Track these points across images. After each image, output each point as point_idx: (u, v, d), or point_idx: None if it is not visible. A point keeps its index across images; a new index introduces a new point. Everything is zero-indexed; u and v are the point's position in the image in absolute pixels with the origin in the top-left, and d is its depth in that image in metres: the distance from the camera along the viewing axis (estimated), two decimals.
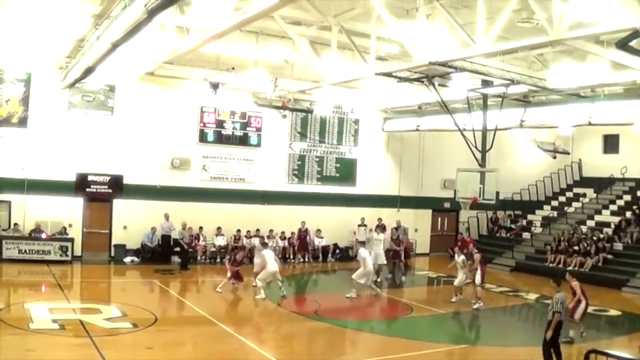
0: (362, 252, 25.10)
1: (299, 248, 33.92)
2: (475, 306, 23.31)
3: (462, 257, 24.78)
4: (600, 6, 14.93)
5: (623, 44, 14.31)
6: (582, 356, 11.73)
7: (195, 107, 32.76)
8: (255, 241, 32.06)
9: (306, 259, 34.34)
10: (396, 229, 33.13)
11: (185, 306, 23.17)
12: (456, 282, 24.80)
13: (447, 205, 38.93)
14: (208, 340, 18.04)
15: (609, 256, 31.04)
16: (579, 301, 18.56)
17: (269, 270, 23.30)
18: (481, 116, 26.23)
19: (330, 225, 35.03)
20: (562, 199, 40.58)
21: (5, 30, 24.25)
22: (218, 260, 32.31)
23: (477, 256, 24.33)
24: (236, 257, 25.62)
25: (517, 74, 23.99)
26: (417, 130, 35.84)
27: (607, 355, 11.21)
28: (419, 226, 37.30)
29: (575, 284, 18.55)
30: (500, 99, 26.03)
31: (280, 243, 33.87)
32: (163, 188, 31.89)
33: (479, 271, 23.84)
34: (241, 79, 28.49)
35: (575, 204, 38.97)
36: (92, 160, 30.30)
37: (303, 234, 34.27)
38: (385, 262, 27.93)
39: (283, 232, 34.16)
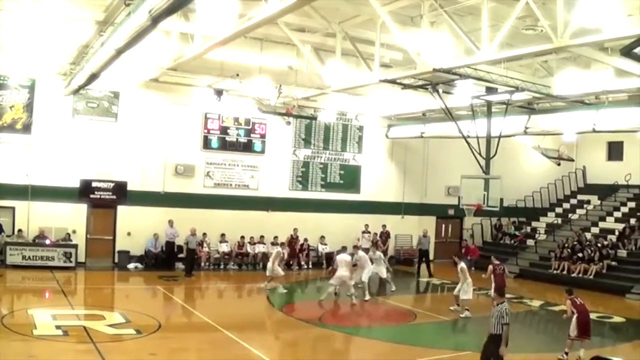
0: (339, 257, 25.23)
1: (290, 255, 32.75)
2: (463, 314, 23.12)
3: (462, 264, 24.22)
4: (604, 13, 14.92)
5: (627, 51, 14.26)
6: None
7: (199, 114, 32.79)
8: (259, 247, 32.22)
9: (299, 267, 34.13)
10: (424, 236, 34.17)
11: (190, 312, 23.18)
12: (456, 290, 24.03)
13: (451, 212, 38.83)
14: (212, 346, 17.99)
15: (613, 263, 30.99)
16: (572, 315, 17.99)
17: (338, 274, 24.33)
18: (485, 123, 26.32)
19: (334, 232, 34.86)
20: (566, 205, 40.56)
21: (9, 36, 24.28)
22: (222, 266, 32.36)
23: (490, 267, 24.46)
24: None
25: (522, 81, 23.97)
26: (421, 137, 35.91)
27: None
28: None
29: (568, 302, 18.06)
30: (505, 106, 26.04)
31: (284, 250, 33.75)
32: (167, 194, 31.90)
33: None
34: (245, 86, 28.53)
35: (579, 211, 38.96)
36: (96, 166, 30.35)
37: (294, 241, 33.92)
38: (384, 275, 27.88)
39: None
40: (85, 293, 26.86)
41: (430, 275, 32.67)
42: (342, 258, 24.79)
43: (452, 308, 23.95)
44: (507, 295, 25.36)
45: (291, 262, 33.77)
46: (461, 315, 23.20)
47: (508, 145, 32.22)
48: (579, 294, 18.63)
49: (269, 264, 26.84)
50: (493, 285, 23.44)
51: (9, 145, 28.69)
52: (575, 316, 17.73)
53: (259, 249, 32.84)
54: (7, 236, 28.64)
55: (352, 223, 35.61)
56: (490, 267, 24.49)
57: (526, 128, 29.97)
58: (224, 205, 33.02)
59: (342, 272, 24.27)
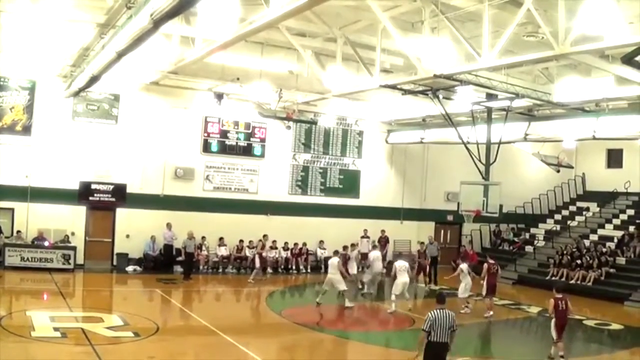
0: (398, 264, 25.13)
1: (261, 262, 30.67)
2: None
3: (465, 264, 25.37)
4: (605, 21, 14.93)
5: (628, 59, 14.34)
6: None
7: (200, 117, 32.79)
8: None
9: (297, 271, 34.19)
10: (430, 243, 33.36)
11: (188, 316, 23.10)
12: (459, 293, 25.01)
13: (450, 217, 38.84)
14: (210, 350, 18.02)
15: (612, 270, 30.95)
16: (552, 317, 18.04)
17: (399, 280, 24.15)
18: (485, 129, 26.31)
19: (333, 236, 34.65)
20: (565, 212, 40.54)
21: (10, 38, 24.31)
22: (220, 270, 32.35)
23: (485, 266, 25.13)
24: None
25: (522, 87, 23.96)
26: (421, 142, 35.90)
27: None
28: (421, 238, 37.12)
29: (552, 301, 17.97)
30: (505, 113, 26.03)
31: (283, 254, 33.85)
32: (166, 197, 31.91)
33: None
34: (246, 90, 28.55)
35: (578, 218, 38.94)
36: (96, 168, 30.36)
37: (264, 247, 31.69)
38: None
39: (286, 243, 34.16)
40: (83, 295, 26.84)
41: (430, 282, 32.49)
42: (403, 264, 24.79)
43: (462, 311, 24.15)
44: (506, 302, 25.85)
45: (290, 267, 33.87)
46: (461, 312, 23.62)
47: (508, 152, 32.26)
48: (577, 301, 18.60)
49: (331, 276, 24.53)
50: (485, 285, 24.00)
51: (8, 147, 28.67)
52: (553, 320, 17.83)
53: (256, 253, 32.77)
54: (6, 237, 28.62)
55: (351, 228, 35.39)
56: (486, 265, 25.06)
57: (526, 134, 30.01)
58: (223, 208, 32.97)
59: (404, 278, 24.32)
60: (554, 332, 17.76)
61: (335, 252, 26.99)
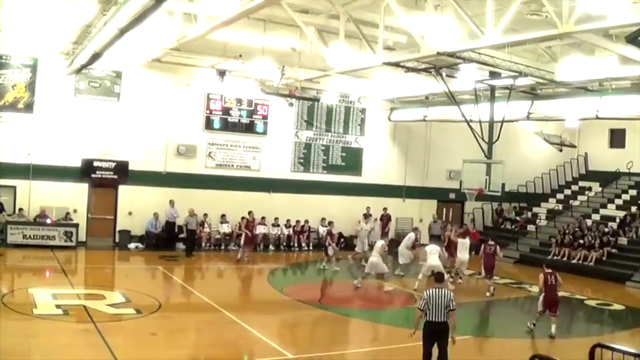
0: (429, 248, 25.26)
1: (245, 242, 29.99)
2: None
3: (465, 240, 26.21)
4: (609, 0, 14.85)
5: (632, 39, 14.26)
6: (585, 350, 11.57)
7: (202, 94, 32.71)
8: (260, 229, 32.08)
9: (299, 248, 34.37)
10: (434, 221, 32.77)
11: (189, 293, 23.19)
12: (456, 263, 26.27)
13: (452, 196, 38.81)
14: (212, 326, 18.04)
15: (614, 250, 31.01)
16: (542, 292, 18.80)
17: (428, 263, 24.08)
18: (488, 107, 26.25)
19: (335, 214, 34.54)
20: (567, 192, 40.56)
21: (12, 16, 24.21)
22: (222, 247, 32.40)
23: (482, 247, 25.35)
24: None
25: (525, 66, 23.91)
26: (424, 120, 35.83)
27: (613, 349, 11.02)
28: (424, 216, 37.21)
29: (541, 276, 18.74)
30: (508, 91, 25.99)
31: (285, 231, 33.91)
32: (168, 174, 31.87)
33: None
34: (248, 67, 28.50)
35: (580, 198, 38.96)
36: (98, 146, 30.33)
37: (250, 224, 30.68)
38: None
39: (288, 221, 34.25)
40: (85, 272, 26.90)
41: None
42: (434, 248, 24.86)
43: (458, 281, 25.05)
44: (507, 280, 25.85)
45: (292, 244, 33.94)
46: (457, 282, 25.43)
47: (510, 130, 32.17)
48: (578, 281, 18.76)
49: (374, 259, 24.17)
50: (482, 265, 24.87)
51: (10, 125, 28.62)
52: (542, 295, 18.66)
53: (260, 230, 32.78)
54: (8, 215, 28.65)
55: (353, 205, 35.48)
56: (483, 246, 25.29)
57: (529, 113, 29.90)
58: (225, 186, 33.00)
59: (433, 261, 24.11)
60: (540, 306, 18.64)
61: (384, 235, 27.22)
